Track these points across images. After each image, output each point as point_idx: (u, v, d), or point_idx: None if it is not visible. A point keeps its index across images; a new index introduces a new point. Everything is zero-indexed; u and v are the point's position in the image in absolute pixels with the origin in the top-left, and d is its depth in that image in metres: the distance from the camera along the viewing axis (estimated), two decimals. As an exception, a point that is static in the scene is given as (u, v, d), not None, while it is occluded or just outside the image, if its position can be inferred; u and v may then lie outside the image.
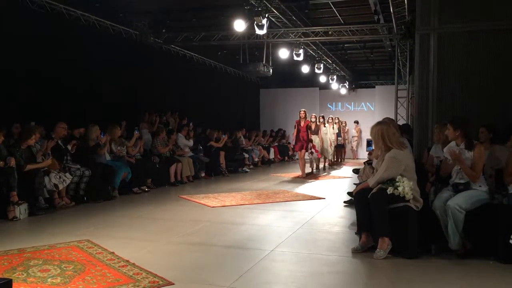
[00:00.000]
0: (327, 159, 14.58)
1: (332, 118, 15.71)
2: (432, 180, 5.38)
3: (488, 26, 6.51)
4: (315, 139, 12.76)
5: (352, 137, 19.71)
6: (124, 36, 12.25)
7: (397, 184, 4.48)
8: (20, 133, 7.29)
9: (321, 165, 14.15)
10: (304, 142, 11.85)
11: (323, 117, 14.26)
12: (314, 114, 13.09)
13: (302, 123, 11.95)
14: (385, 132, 4.66)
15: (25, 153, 6.76)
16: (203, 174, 11.43)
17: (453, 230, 4.34)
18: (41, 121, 7.99)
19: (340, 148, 17.07)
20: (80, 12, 10.56)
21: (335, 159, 16.68)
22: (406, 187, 4.45)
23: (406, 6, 10.33)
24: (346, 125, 19.27)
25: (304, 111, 12.10)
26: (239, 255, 4.65)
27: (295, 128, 12.05)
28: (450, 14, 6.69)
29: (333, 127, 15.27)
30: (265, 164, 15.39)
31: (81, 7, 10.52)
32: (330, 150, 14.46)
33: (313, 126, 12.68)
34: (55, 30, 9.49)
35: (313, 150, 12.26)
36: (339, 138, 16.52)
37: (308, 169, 12.71)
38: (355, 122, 19.70)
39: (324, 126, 14.10)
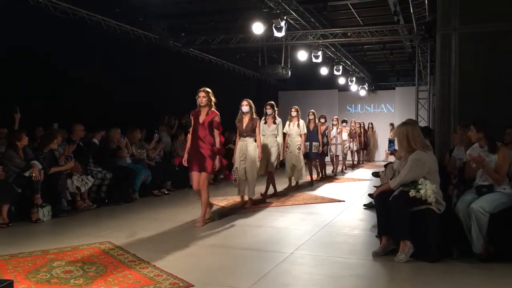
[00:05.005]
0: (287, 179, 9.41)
1: (297, 110, 9.85)
2: (455, 182, 5.30)
3: (509, 27, 6.41)
4: (249, 144, 7.24)
5: (344, 141, 14.30)
6: (144, 40, 12.40)
7: (420, 187, 4.41)
8: (42, 136, 7.44)
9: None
10: (206, 156, 6.07)
11: (271, 106, 8.42)
12: (246, 100, 7.33)
13: (203, 117, 6.03)
14: (410, 133, 4.59)
15: (47, 156, 6.88)
16: (222, 177, 11.47)
17: (477, 233, 4.26)
18: (63, 124, 8.15)
19: (314, 158, 11.20)
20: (101, 17, 10.77)
21: (321, 174, 11.81)
22: (428, 190, 4.38)
23: (426, 7, 10.20)
24: (356, 126, 16.43)
25: (205, 91, 6.01)
26: (258, 258, 4.64)
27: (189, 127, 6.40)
28: (471, 14, 6.61)
29: (298, 125, 9.84)
30: (284, 167, 15.30)
31: (102, 12, 10.73)
32: (277, 162, 8.72)
33: (244, 122, 7.26)
34: (77, 34, 9.69)
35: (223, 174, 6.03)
36: (315, 144, 10.83)
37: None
38: (343, 121, 14.83)
39: (274, 123, 8.45)
